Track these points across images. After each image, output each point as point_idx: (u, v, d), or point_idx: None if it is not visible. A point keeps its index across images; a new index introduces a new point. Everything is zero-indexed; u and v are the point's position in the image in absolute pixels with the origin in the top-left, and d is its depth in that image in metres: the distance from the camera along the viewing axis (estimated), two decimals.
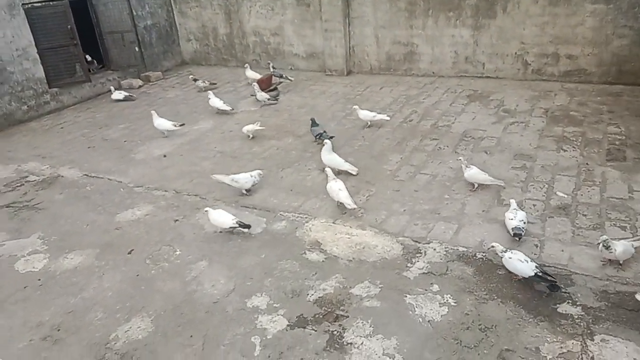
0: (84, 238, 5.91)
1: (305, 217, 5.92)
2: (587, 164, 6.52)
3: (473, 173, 6.10)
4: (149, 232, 5.93)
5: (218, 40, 13.41)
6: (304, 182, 6.78)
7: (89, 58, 11.78)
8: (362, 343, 4.06)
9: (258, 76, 10.94)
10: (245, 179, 6.44)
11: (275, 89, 10.61)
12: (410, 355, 3.90)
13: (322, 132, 7.80)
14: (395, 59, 11.31)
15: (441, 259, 4.97)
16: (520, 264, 4.41)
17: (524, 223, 5.08)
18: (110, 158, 8.14)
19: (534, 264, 4.39)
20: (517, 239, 5.03)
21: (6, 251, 5.76)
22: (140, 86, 12.21)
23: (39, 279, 5.21)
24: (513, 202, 5.39)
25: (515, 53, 10.04)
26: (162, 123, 8.76)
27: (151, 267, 5.28)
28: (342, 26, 11.20)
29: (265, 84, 10.55)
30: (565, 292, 4.37)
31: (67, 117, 10.45)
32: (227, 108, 9.62)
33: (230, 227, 5.59)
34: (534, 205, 5.71)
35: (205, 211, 5.78)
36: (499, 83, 10.07)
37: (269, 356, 4.02)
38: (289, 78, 10.89)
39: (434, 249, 5.13)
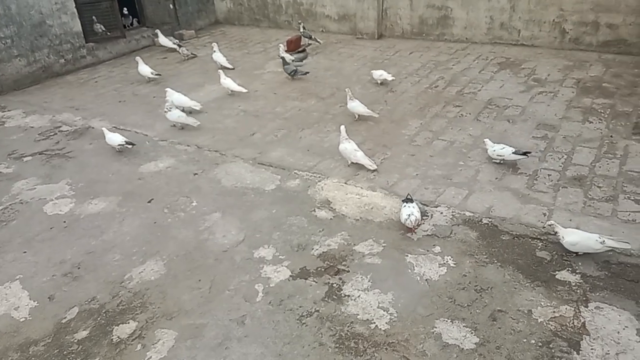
0: (108, 186, 6.22)
1: (319, 177, 6.04)
2: (611, 136, 6.35)
3: (354, 105, 7.22)
4: (169, 183, 6.18)
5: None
6: (321, 143, 6.87)
7: (125, 11, 11.99)
8: (359, 296, 4.21)
9: (170, 44, 11.47)
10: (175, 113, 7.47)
11: (304, 50, 10.57)
12: (403, 310, 4.03)
13: (295, 68, 8.76)
14: (428, 23, 11.07)
15: (446, 223, 5.02)
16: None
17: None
18: (138, 112, 8.41)
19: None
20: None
21: (37, 194, 6.14)
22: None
23: (65, 221, 5.56)
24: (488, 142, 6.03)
25: (553, 20, 9.67)
26: (143, 69, 9.68)
27: (168, 215, 5.54)
28: None
29: (294, 45, 10.54)
30: (566, 260, 4.38)
31: (101, 72, 10.77)
32: (229, 66, 10.05)
33: (119, 145, 6.84)
34: (549, 175, 5.64)
35: (102, 129, 7.06)
36: (534, 51, 9.76)
37: (270, 302, 4.22)
38: (318, 40, 10.84)
39: (441, 213, 5.18)
